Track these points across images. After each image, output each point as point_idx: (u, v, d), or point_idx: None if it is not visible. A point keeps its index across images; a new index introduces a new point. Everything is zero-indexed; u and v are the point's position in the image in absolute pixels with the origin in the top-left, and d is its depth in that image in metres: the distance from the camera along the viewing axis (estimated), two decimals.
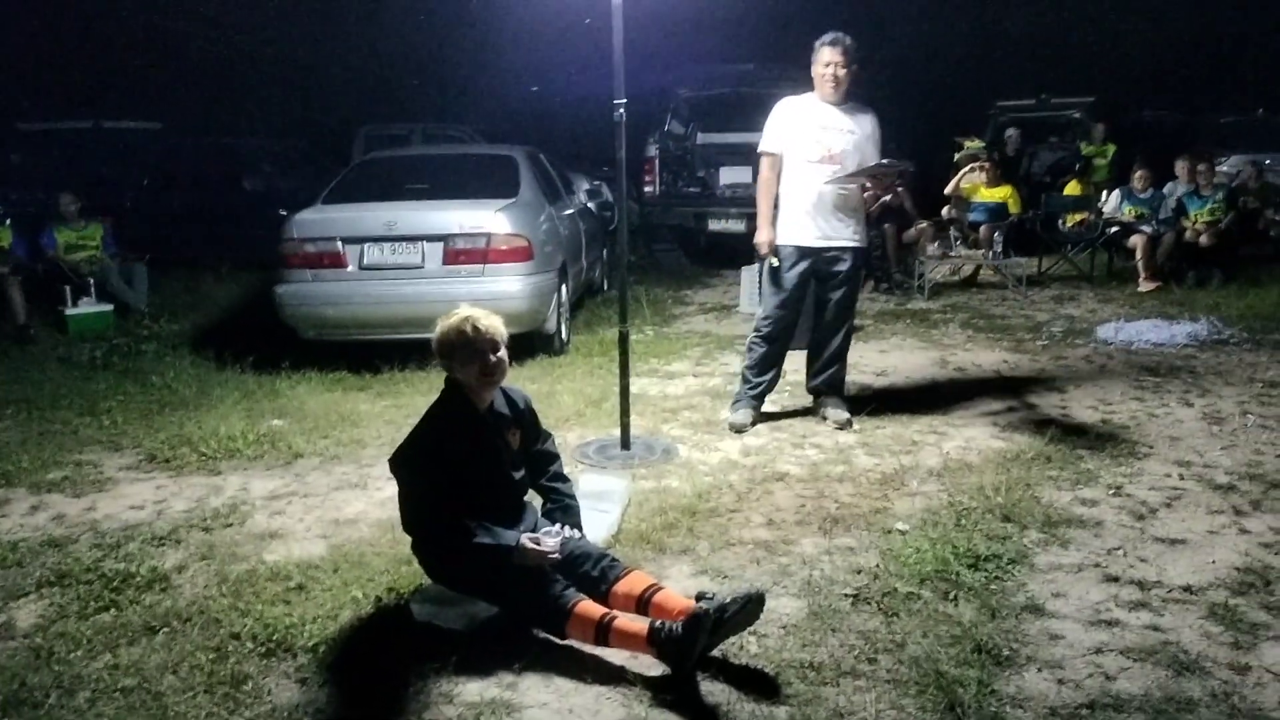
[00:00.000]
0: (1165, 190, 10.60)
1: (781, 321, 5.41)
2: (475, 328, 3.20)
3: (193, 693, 2.87)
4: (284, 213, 7.85)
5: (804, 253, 5.31)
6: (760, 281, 5.54)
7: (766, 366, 5.50)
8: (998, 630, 3.12)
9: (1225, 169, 11.87)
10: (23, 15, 18.58)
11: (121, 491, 4.70)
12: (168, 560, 3.84)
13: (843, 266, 5.34)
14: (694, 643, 2.84)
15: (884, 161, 5.33)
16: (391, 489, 3.93)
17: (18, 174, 12.10)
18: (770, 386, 5.57)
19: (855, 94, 5.33)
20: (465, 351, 3.20)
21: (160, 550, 3.95)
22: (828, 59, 5.16)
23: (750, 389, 5.52)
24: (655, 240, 12.98)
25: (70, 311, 8.69)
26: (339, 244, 7.01)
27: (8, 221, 9.33)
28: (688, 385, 6.49)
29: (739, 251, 10.29)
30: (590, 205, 9.93)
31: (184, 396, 6.32)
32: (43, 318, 8.72)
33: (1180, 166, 10.41)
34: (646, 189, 12.46)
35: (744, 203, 12.10)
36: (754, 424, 5.45)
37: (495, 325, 3.26)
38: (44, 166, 12.14)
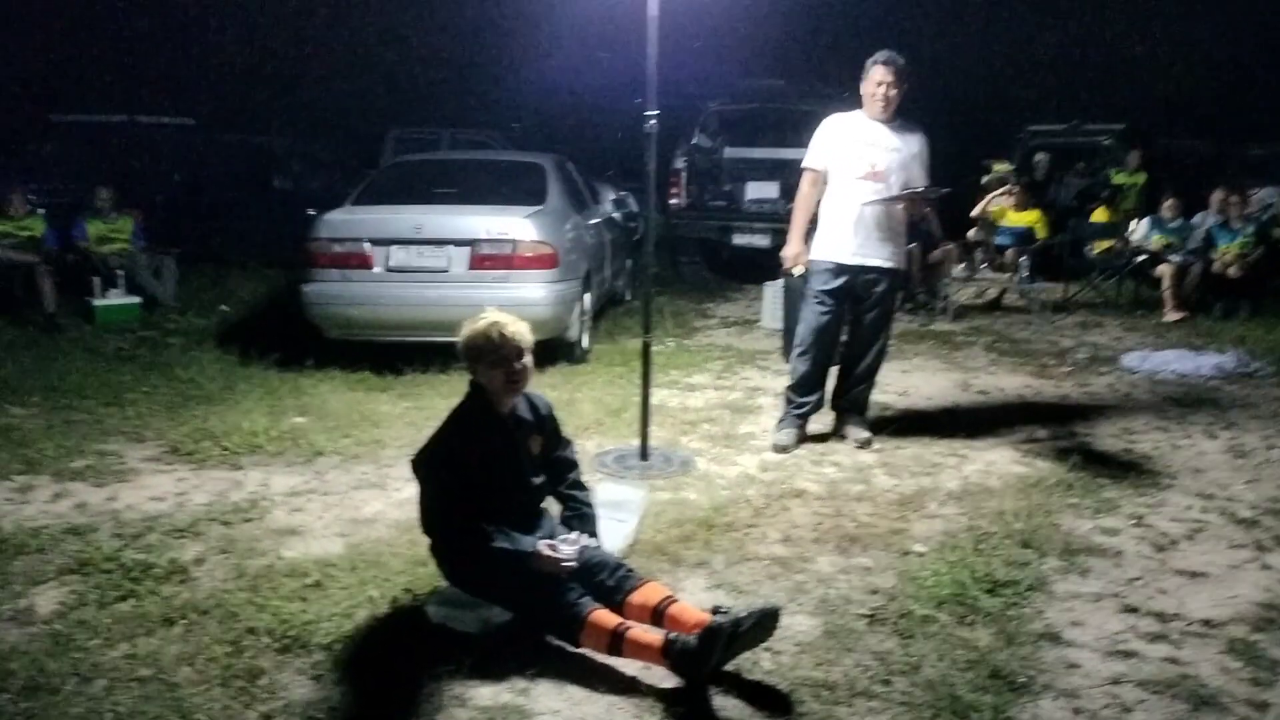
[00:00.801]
0: (1195, 220, 10.53)
1: (820, 339, 5.38)
2: (502, 334, 3.21)
3: (208, 685, 2.90)
4: (312, 212, 7.91)
5: (841, 269, 5.29)
6: (800, 300, 5.51)
7: (811, 386, 5.46)
8: (1014, 657, 3.10)
9: (1257, 199, 11.78)
10: (61, 9, 18.83)
11: (143, 482, 4.74)
12: (187, 552, 3.87)
13: (879, 288, 5.32)
14: (708, 656, 2.84)
15: (919, 189, 5.31)
16: (410, 490, 3.95)
17: (51, 165, 12.20)
18: (816, 406, 5.53)
19: (904, 112, 5.32)
20: (491, 356, 3.21)
21: (180, 542, 3.98)
22: (880, 78, 5.15)
23: (795, 409, 5.49)
24: (679, 252, 12.98)
25: (98, 302, 8.77)
26: (366, 245, 7.06)
27: (41, 212, 9.44)
28: (708, 398, 6.48)
29: (763, 266, 10.31)
30: (615, 215, 9.96)
31: (208, 391, 6.37)
32: (71, 308, 8.79)
33: (1214, 197, 10.33)
34: (672, 201, 12.46)
35: (769, 218, 12.12)
36: (798, 444, 5.41)
37: (522, 331, 3.27)
38: (77, 159, 12.22)
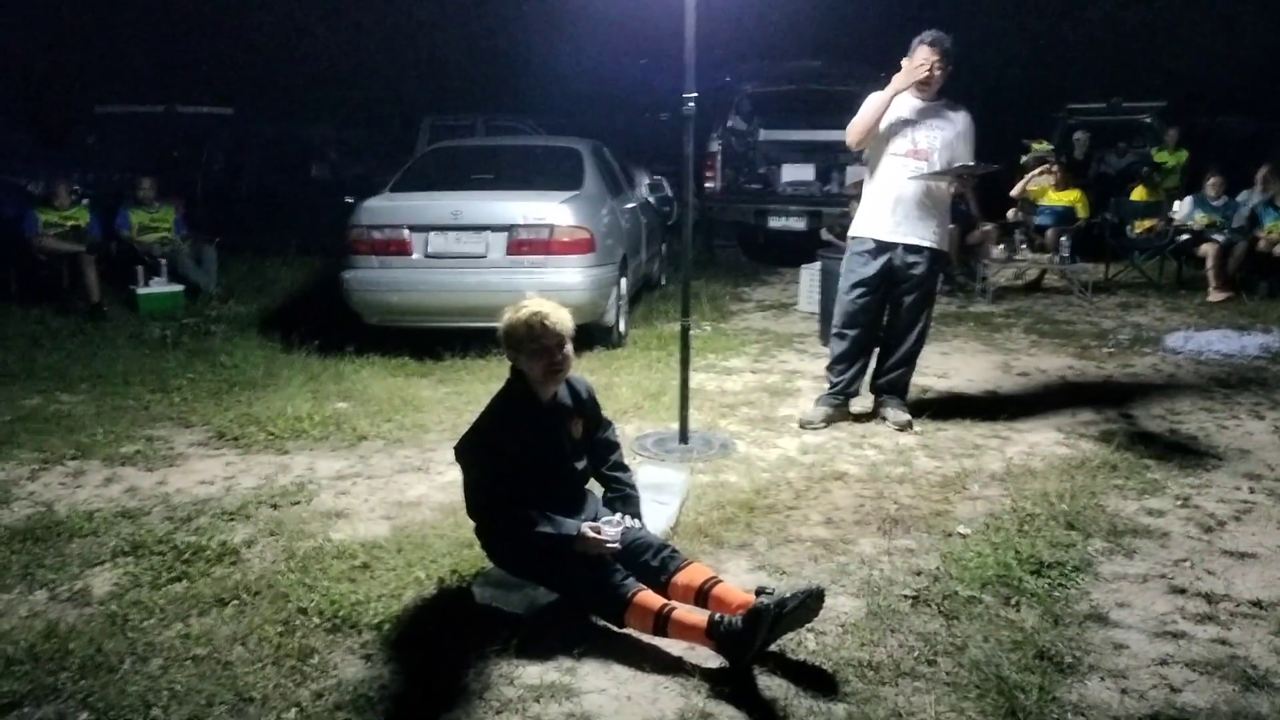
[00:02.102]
0: (1239, 198, 10.36)
1: (858, 317, 5.37)
2: (544, 323, 3.21)
3: (261, 664, 2.95)
4: (351, 200, 7.97)
5: (881, 247, 5.27)
6: (840, 279, 5.49)
7: (847, 363, 5.46)
8: (1060, 638, 3.09)
9: None
10: (101, 2, 19.05)
11: (192, 467, 4.82)
12: (237, 535, 3.94)
13: (919, 268, 5.29)
14: (753, 637, 2.85)
15: (969, 164, 5.27)
16: (453, 473, 3.99)
17: (95, 156, 12.37)
18: (852, 385, 5.53)
19: (948, 91, 5.28)
20: (532, 345, 3.22)
21: (230, 525, 4.05)
22: (925, 56, 5.11)
23: (832, 388, 5.49)
24: (714, 236, 12.96)
25: (142, 291, 8.89)
26: (405, 232, 7.12)
27: (85, 202, 9.58)
28: (746, 381, 6.48)
29: (799, 249, 10.27)
30: (650, 199, 9.96)
31: (251, 377, 6.45)
32: (115, 296, 8.93)
33: (1259, 175, 10.15)
34: (708, 185, 12.43)
35: (805, 200, 12.08)
36: (826, 423, 5.41)
37: (564, 320, 3.27)
38: (120, 149, 12.38)
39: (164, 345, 7.51)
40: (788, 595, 2.91)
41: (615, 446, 3.63)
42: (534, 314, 3.23)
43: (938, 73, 5.12)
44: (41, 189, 9.47)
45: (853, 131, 5.25)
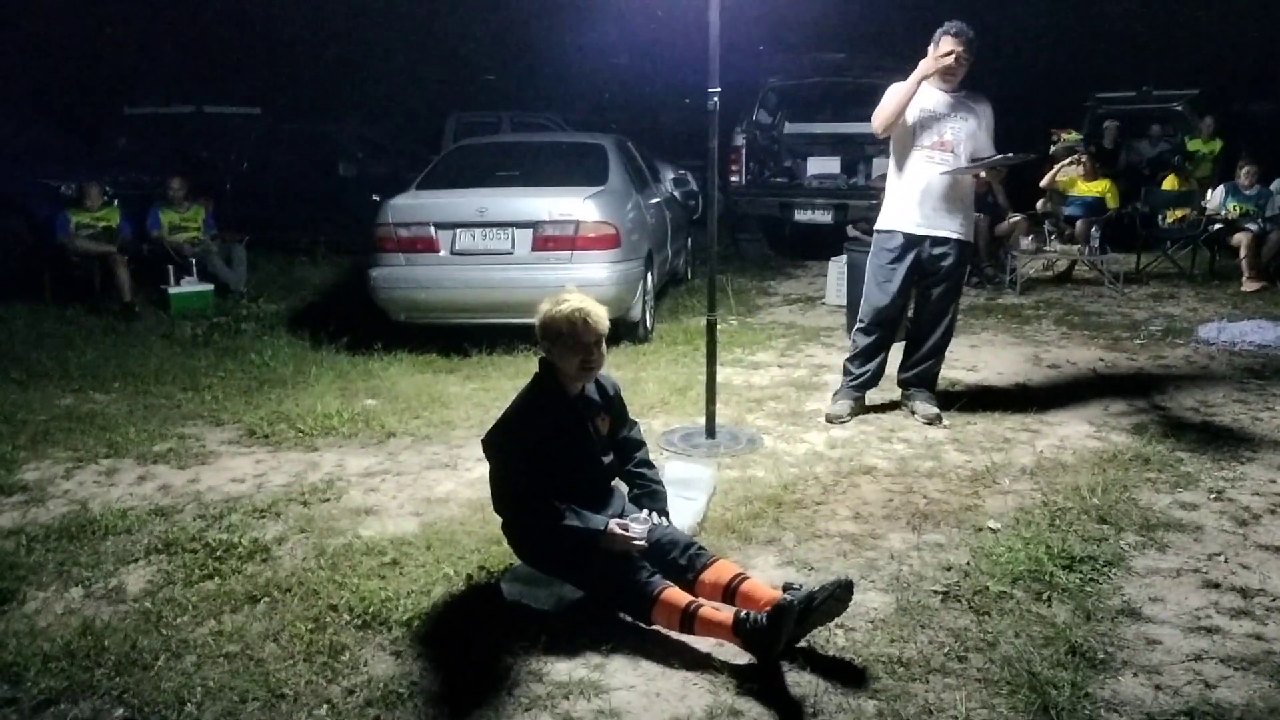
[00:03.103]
0: (1273, 187, 10.21)
1: (884, 312, 5.35)
2: (586, 321, 3.21)
3: (293, 660, 2.97)
4: (377, 198, 8.01)
5: (909, 240, 5.24)
6: (866, 272, 5.46)
7: (868, 358, 5.44)
8: (1093, 633, 3.06)
9: None
10: (129, 4, 19.24)
11: (223, 464, 4.86)
12: (268, 532, 3.97)
13: (947, 260, 5.25)
14: (779, 634, 2.84)
15: (1008, 155, 5.23)
16: (481, 470, 4.00)
17: (125, 156, 12.50)
18: (873, 379, 5.51)
19: (970, 82, 5.25)
20: (570, 341, 3.23)
21: (261, 522, 4.09)
22: (949, 47, 5.08)
23: (851, 380, 5.47)
24: (740, 230, 12.93)
25: (173, 290, 8.98)
26: (432, 229, 7.15)
27: (115, 202, 9.69)
28: (773, 376, 6.46)
29: (825, 243, 10.22)
30: (675, 194, 9.95)
31: (281, 375, 6.51)
32: (146, 296, 9.03)
33: None
34: (733, 178, 12.40)
35: (831, 193, 12.02)
36: (851, 416, 5.40)
37: (602, 317, 3.29)
38: (149, 149, 12.52)
39: (195, 344, 7.59)
40: (815, 589, 2.91)
41: (641, 444, 3.63)
42: (576, 310, 3.23)
43: (961, 63, 5.08)
44: (73, 190, 9.57)
45: (878, 117, 5.22)
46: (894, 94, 5.16)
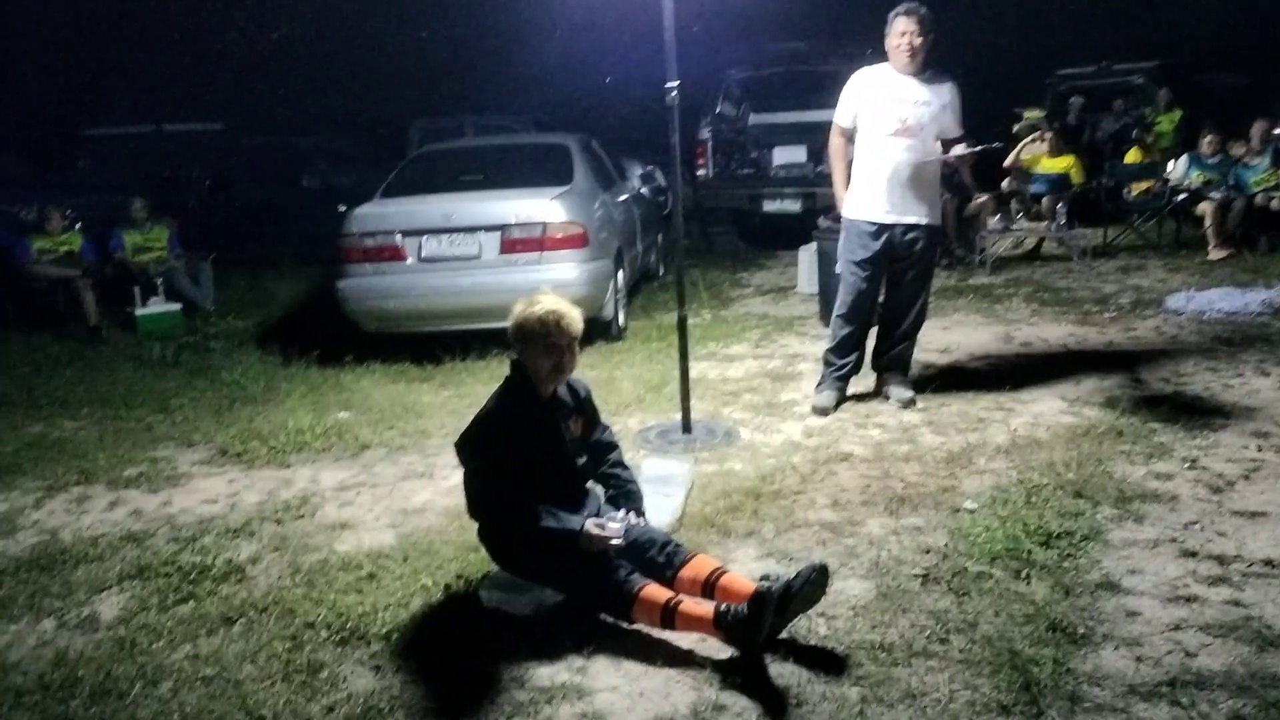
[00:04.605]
0: (1234, 154, 10.28)
1: (860, 301, 5.34)
2: (559, 323, 3.21)
3: (271, 681, 2.94)
4: (343, 208, 7.95)
5: (879, 229, 5.24)
6: (837, 261, 5.48)
7: (849, 347, 5.44)
8: (1073, 608, 3.07)
9: None
10: (84, 26, 19.03)
11: (195, 486, 4.81)
12: (242, 552, 3.93)
13: (917, 245, 5.26)
14: (760, 622, 2.84)
15: (974, 150, 5.24)
16: (457, 478, 3.96)
17: (85, 179, 12.39)
18: (855, 368, 5.51)
19: (933, 63, 5.23)
20: (543, 343, 3.22)
21: (235, 542, 4.04)
22: (902, 29, 5.07)
23: (834, 371, 5.46)
24: (710, 223, 12.92)
25: (140, 312, 8.89)
26: (398, 237, 7.10)
27: (78, 226, 9.58)
28: (747, 368, 6.46)
29: (795, 232, 10.23)
30: (644, 190, 9.93)
31: (252, 392, 6.45)
32: (113, 319, 8.94)
33: (1256, 131, 10.01)
34: (700, 172, 12.41)
35: (799, 183, 12.02)
36: (838, 405, 5.39)
37: (575, 320, 3.27)
38: (110, 171, 12.41)
39: (164, 365, 7.52)
40: (793, 577, 2.90)
41: (614, 446, 3.61)
42: (550, 311, 3.23)
43: (917, 42, 5.07)
44: (34, 215, 9.47)
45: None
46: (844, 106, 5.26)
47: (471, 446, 3.30)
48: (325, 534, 4.08)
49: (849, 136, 5.30)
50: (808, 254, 8.78)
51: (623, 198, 8.82)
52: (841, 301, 5.43)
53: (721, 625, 2.89)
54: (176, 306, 9.17)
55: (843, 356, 5.44)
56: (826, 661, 2.87)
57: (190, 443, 5.50)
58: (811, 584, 2.91)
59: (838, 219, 5.52)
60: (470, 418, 3.40)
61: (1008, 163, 10.88)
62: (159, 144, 13.09)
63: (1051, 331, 7.02)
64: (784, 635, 2.97)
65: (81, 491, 4.81)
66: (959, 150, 5.23)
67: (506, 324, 3.32)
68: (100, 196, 10.84)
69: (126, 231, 9.59)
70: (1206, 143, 10.28)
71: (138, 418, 6.04)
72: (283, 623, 3.28)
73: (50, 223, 9.26)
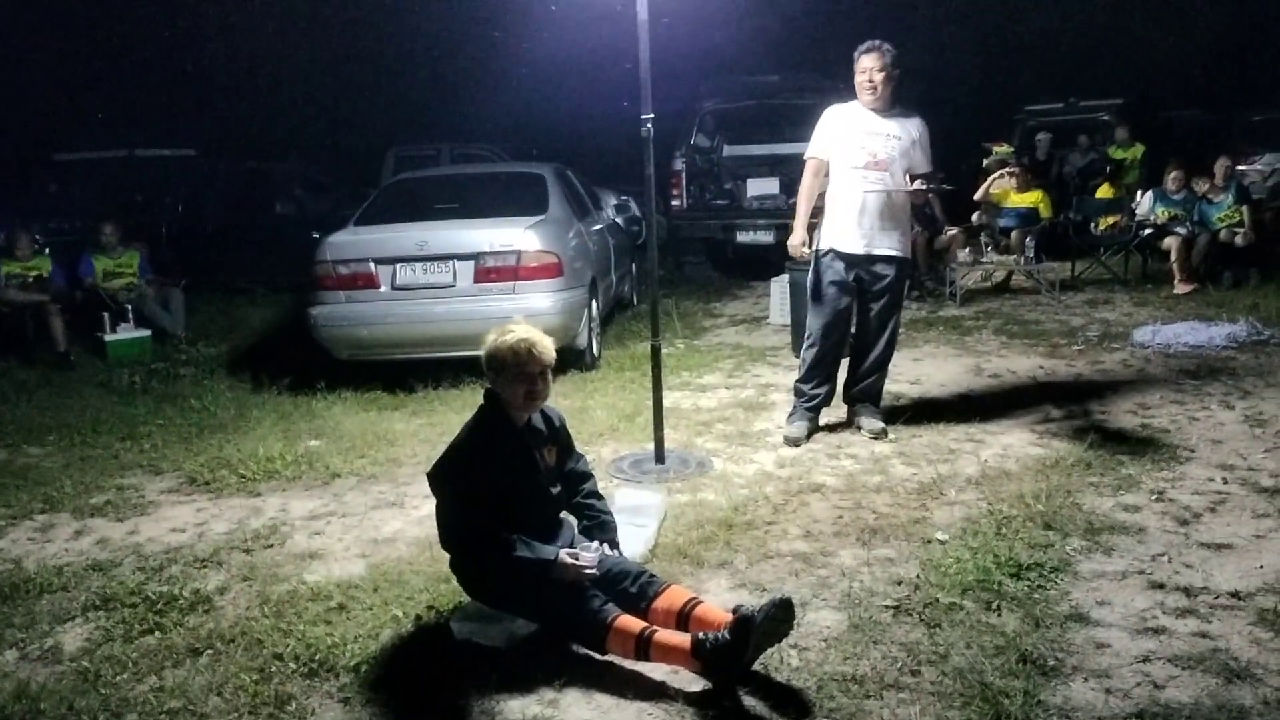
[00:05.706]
0: (1198, 191, 10.47)
1: (830, 332, 5.39)
2: (531, 351, 3.22)
3: (238, 714, 2.90)
4: (316, 235, 7.92)
5: (849, 261, 5.29)
6: (808, 292, 5.52)
7: (820, 378, 5.47)
8: (1043, 640, 3.09)
9: (1259, 167, 11.71)
10: (58, 49, 18.94)
11: (163, 514, 4.75)
12: (210, 582, 3.88)
13: (887, 278, 5.32)
14: (744, 647, 2.83)
15: (925, 178, 5.30)
16: (429, 507, 3.94)
17: (55, 204, 12.29)
18: (826, 399, 5.54)
19: (901, 99, 5.33)
20: (515, 371, 3.22)
21: (202, 572, 3.99)
22: (865, 65, 5.17)
23: (805, 401, 5.49)
24: (684, 253, 12.98)
25: (109, 338, 8.80)
26: (372, 265, 7.08)
27: (47, 251, 9.49)
28: (720, 398, 6.47)
29: (768, 263, 10.29)
30: (618, 220, 9.96)
31: (222, 419, 6.39)
32: (82, 344, 8.84)
33: (1219, 167, 10.19)
34: (674, 203, 12.49)
35: (772, 214, 12.11)
36: (810, 436, 5.41)
37: (548, 348, 3.28)
38: (80, 196, 12.31)
39: (133, 392, 7.43)
40: (759, 608, 2.89)
41: (588, 476, 3.61)
42: (521, 340, 3.23)
43: (879, 78, 5.16)
44: (2, 240, 9.36)
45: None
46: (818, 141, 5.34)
47: (444, 476, 3.28)
48: (294, 564, 4.03)
49: (821, 170, 5.37)
50: (780, 285, 8.84)
51: (597, 227, 8.85)
52: (811, 332, 5.47)
53: (700, 654, 2.87)
54: (146, 333, 9.07)
55: (813, 388, 5.47)
56: (798, 695, 2.86)
57: (158, 471, 5.44)
58: (772, 619, 2.90)
59: (787, 267, 5.62)
60: (443, 446, 3.39)
61: (977, 196, 11.01)
62: (131, 169, 13.00)
63: (1020, 363, 7.09)
64: (756, 667, 2.96)
65: (46, 520, 4.74)
66: (918, 185, 5.28)
67: (480, 352, 3.32)
68: (71, 221, 10.75)
69: (97, 256, 9.51)
70: (1172, 179, 10.44)
71: (105, 445, 5.97)
72: (250, 654, 3.24)
73: (19, 247, 9.17)
